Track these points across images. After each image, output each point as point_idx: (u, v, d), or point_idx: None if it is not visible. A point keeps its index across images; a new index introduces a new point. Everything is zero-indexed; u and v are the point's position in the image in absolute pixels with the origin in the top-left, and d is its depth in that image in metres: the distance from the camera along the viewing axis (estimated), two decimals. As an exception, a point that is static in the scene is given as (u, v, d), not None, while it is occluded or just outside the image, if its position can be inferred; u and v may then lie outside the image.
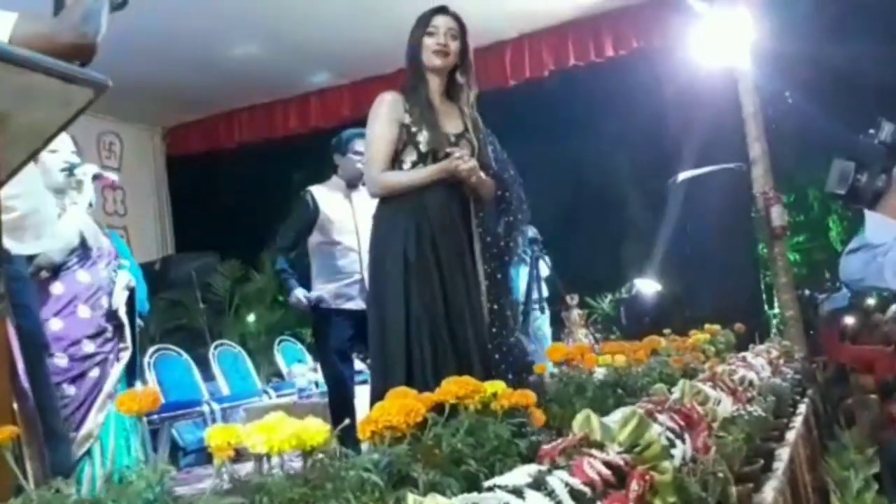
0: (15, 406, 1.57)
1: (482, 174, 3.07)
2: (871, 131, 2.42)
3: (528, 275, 6.34)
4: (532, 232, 7.64)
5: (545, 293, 6.56)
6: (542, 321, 6.61)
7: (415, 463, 1.33)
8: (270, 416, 1.20)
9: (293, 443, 1.17)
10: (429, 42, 3.11)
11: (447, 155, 3.05)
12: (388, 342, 2.96)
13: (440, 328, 2.92)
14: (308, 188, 4.69)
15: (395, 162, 3.09)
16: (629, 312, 6.50)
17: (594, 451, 1.30)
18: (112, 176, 3.58)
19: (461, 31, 3.16)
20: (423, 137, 3.06)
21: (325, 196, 4.62)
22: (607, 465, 1.27)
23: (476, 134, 3.18)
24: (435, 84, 3.17)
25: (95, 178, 3.41)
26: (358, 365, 4.97)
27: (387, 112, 3.08)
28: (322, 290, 4.49)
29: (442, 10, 3.18)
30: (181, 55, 7.09)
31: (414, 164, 3.07)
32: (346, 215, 4.56)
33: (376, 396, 2.74)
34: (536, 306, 6.36)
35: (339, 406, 4.32)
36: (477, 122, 3.23)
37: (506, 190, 3.25)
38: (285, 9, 6.49)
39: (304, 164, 9.12)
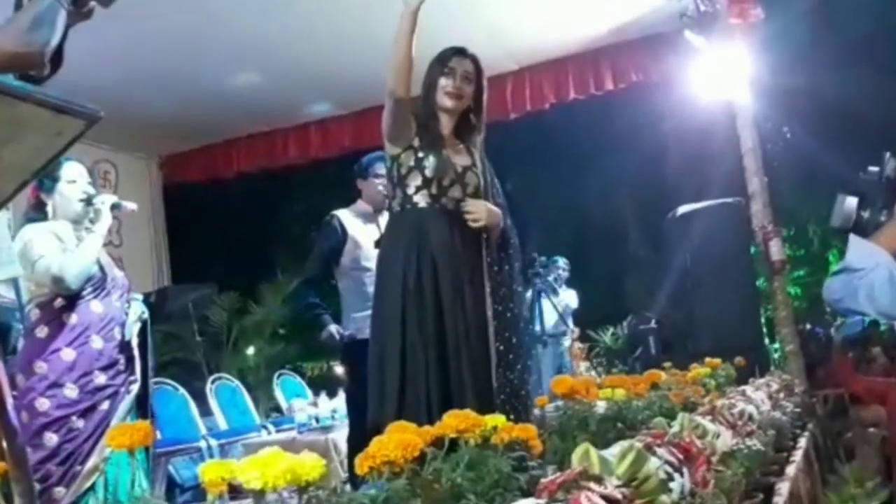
0: (4, 443, 1.54)
1: (492, 208, 3.08)
2: (875, 168, 2.44)
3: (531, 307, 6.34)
4: (563, 262, 7.68)
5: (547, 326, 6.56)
6: (543, 354, 6.62)
7: (413, 498, 1.32)
8: (265, 450, 1.19)
9: (288, 478, 1.15)
10: (444, 83, 3.13)
11: (451, 183, 3.05)
12: (385, 370, 2.95)
13: (432, 361, 2.90)
14: (333, 212, 4.52)
15: (401, 185, 3.09)
16: (637, 344, 6.50)
17: (592, 485, 1.29)
18: (132, 205, 3.58)
19: (477, 74, 3.18)
20: (429, 163, 3.05)
21: (351, 220, 4.47)
22: (605, 498, 1.27)
23: (484, 169, 3.20)
24: (445, 121, 3.18)
25: (114, 207, 3.43)
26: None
27: (393, 103, 3.06)
28: (354, 319, 4.27)
29: (461, 51, 3.19)
30: (179, 83, 7.06)
31: (418, 189, 3.05)
32: (372, 240, 4.28)
33: (373, 426, 2.74)
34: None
35: (362, 444, 4.20)
36: (485, 161, 3.25)
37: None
38: (285, 39, 6.50)
39: (304, 195, 9.16)
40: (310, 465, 1.18)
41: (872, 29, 6.77)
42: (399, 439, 1.38)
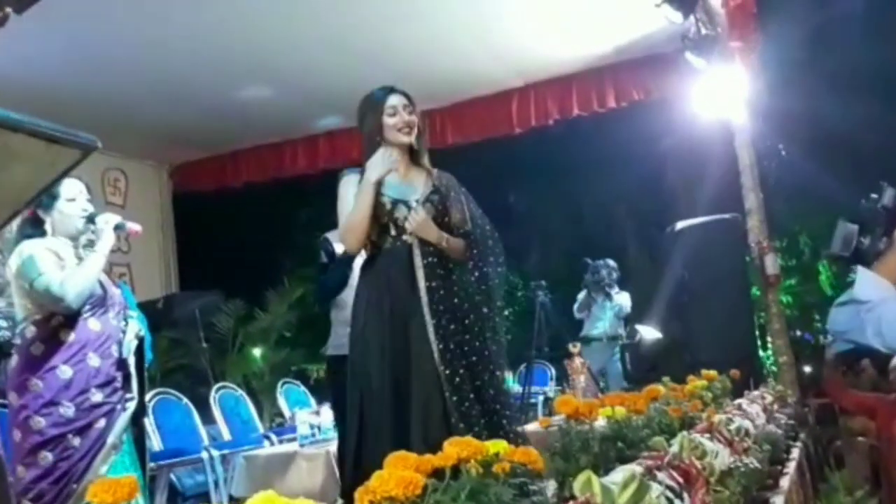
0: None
1: (443, 235, 3.22)
2: (874, 196, 2.53)
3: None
4: (612, 263, 7.69)
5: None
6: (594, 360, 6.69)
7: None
8: (260, 495, 1.16)
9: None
10: (391, 122, 3.29)
11: (399, 228, 3.22)
12: (353, 406, 3.17)
13: (381, 395, 3.08)
14: (325, 235, 4.62)
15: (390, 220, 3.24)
16: (633, 359, 6.61)
17: (595, 518, 1.34)
18: (136, 226, 3.50)
19: (411, 102, 3.36)
20: (399, 211, 3.23)
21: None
22: (608, 531, 1.31)
23: (444, 194, 3.34)
24: (399, 157, 3.32)
25: (117, 227, 3.36)
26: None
27: (351, 196, 3.24)
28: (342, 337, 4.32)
29: (392, 90, 3.36)
30: (191, 94, 7.14)
31: (379, 235, 3.24)
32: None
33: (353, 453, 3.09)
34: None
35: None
36: (448, 181, 3.39)
37: (475, 248, 3.34)
38: (295, 54, 6.60)
39: (312, 205, 9.25)
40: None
41: (867, 55, 6.93)
42: (401, 477, 1.34)
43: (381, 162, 3.23)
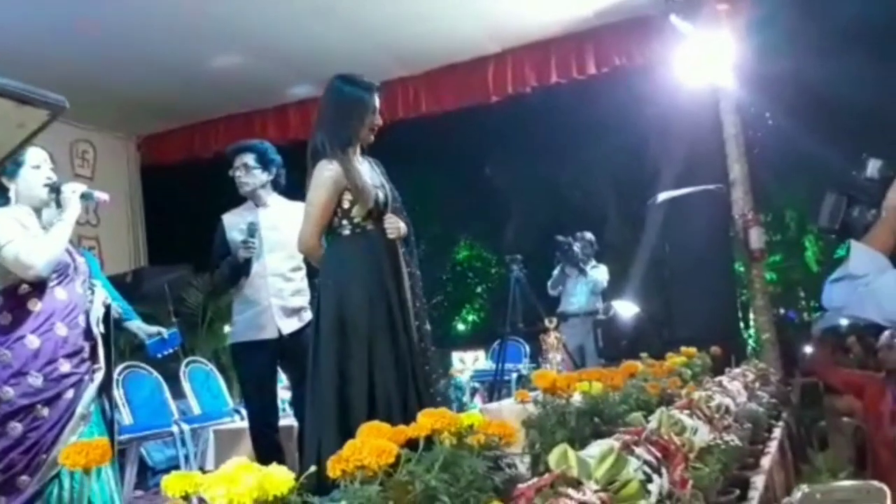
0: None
1: (401, 224, 3.42)
2: (854, 173, 2.46)
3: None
4: (589, 236, 7.59)
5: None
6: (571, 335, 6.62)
7: (387, 503, 1.30)
8: (232, 462, 1.14)
9: (255, 494, 1.11)
10: (371, 121, 3.41)
11: (381, 214, 3.38)
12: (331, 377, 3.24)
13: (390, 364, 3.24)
14: (222, 217, 4.48)
15: (346, 216, 3.36)
16: (606, 335, 6.50)
17: (570, 491, 1.27)
18: (104, 195, 3.48)
19: None
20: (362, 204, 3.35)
21: (233, 222, 4.40)
22: (583, 506, 1.24)
23: (387, 181, 3.50)
24: (355, 150, 3.43)
25: (84, 196, 3.33)
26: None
27: (331, 185, 3.31)
28: (238, 321, 4.30)
29: (378, 88, 3.46)
30: (158, 62, 7.02)
31: (364, 218, 3.36)
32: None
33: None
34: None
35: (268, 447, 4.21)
36: (380, 167, 3.55)
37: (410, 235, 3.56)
38: (266, 19, 6.46)
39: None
40: (278, 479, 1.13)
41: (858, 15, 6.77)
42: (374, 446, 1.34)
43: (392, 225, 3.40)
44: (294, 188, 4.80)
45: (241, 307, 4.30)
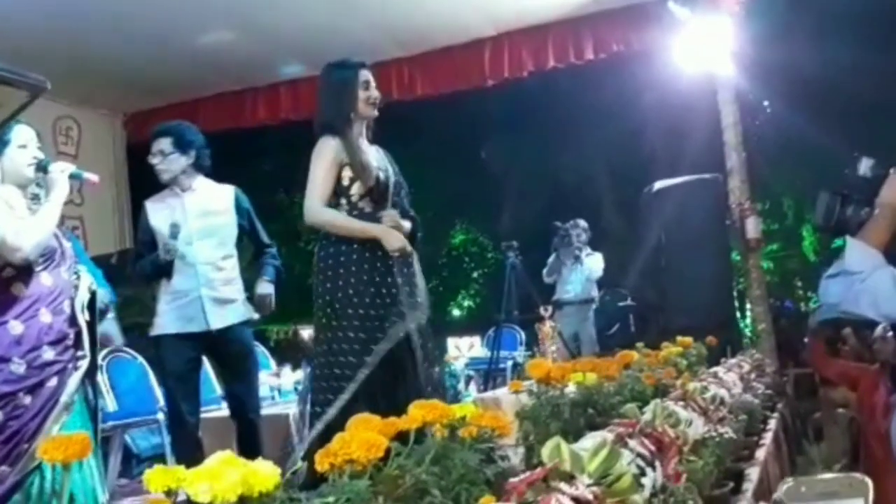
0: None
1: (405, 224, 3.42)
2: (847, 171, 2.49)
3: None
4: (583, 223, 7.56)
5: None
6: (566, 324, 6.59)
7: (376, 498, 1.27)
8: (216, 456, 1.11)
9: (239, 490, 1.07)
10: (365, 95, 3.42)
11: (381, 196, 3.40)
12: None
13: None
14: (145, 202, 4.30)
15: (344, 194, 3.38)
16: (599, 322, 6.49)
17: (563, 486, 1.24)
18: (93, 176, 3.40)
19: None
20: (362, 181, 3.38)
21: (156, 208, 4.22)
22: (576, 500, 1.21)
23: (395, 171, 3.52)
24: (360, 130, 3.45)
25: (73, 177, 3.25)
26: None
27: (331, 157, 3.34)
28: (166, 311, 4.11)
29: (363, 63, 3.50)
30: (146, 37, 6.82)
31: (361, 197, 3.38)
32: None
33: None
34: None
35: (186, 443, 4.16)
36: (389, 157, 3.56)
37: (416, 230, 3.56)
38: (259, -5, 6.33)
39: (273, 156, 9.01)
40: (263, 475, 1.10)
41: (855, 3, 6.74)
42: (363, 439, 1.31)
43: (396, 239, 3.34)
44: (285, 171, 4.69)
45: (169, 297, 4.09)
